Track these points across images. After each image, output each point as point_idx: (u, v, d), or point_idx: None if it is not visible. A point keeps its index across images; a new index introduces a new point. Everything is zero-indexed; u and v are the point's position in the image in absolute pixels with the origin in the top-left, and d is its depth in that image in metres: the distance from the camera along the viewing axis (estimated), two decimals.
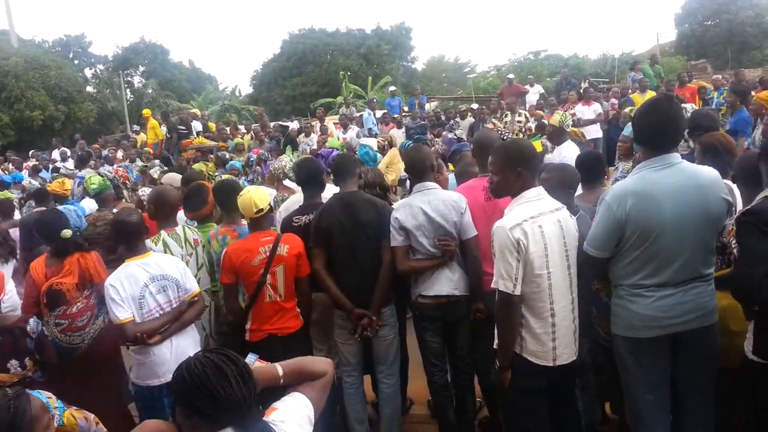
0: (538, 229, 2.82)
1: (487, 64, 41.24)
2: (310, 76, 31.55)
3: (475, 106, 13.82)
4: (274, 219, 4.37)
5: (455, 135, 9.42)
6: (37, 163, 13.92)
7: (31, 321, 3.48)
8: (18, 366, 3.44)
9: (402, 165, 4.28)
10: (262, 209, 3.68)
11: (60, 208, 6.01)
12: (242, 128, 16.41)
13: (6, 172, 12.54)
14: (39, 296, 3.79)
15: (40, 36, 47.54)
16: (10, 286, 4.12)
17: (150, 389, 3.55)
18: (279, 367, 1.94)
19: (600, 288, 3.35)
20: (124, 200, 7.08)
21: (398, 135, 11.57)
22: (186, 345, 3.63)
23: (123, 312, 3.44)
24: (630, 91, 12.64)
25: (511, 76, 16.88)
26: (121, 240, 3.72)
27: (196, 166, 7.49)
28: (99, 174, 7.67)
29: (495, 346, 3.01)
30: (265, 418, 1.77)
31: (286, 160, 6.09)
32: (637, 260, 2.83)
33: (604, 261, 2.96)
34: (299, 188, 4.45)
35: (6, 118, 24.60)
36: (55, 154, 15.02)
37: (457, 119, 13.62)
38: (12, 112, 24.74)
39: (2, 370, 3.36)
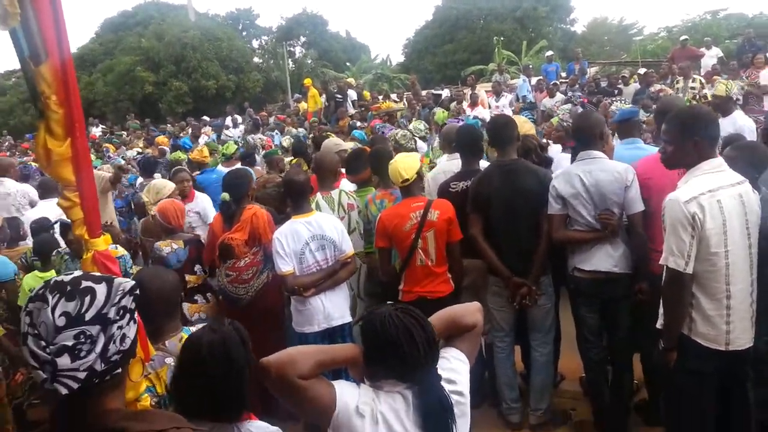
0: (717, 204, 2.58)
1: (657, 26, 37.84)
2: (462, 43, 31.13)
3: (642, 71, 12.80)
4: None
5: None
6: (210, 129, 15.25)
7: None
8: (201, 270, 4.27)
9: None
10: (407, 179, 3.75)
11: (199, 175, 6.67)
12: (394, 96, 16.68)
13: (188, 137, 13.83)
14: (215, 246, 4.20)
15: (213, 10, 51.49)
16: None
17: (305, 335, 3.83)
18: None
19: None
20: (257, 166, 7.49)
21: (551, 104, 11.06)
22: (337, 301, 3.88)
23: (285, 265, 3.72)
24: None
25: (684, 37, 15.34)
26: (289, 196, 3.98)
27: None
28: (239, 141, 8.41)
29: (659, 326, 2.84)
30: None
31: (400, 130, 6.18)
32: None
33: None
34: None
35: (185, 87, 27.20)
36: (228, 120, 16.30)
37: (620, 85, 12.71)
38: (190, 81, 27.28)
39: (190, 273, 4.19)
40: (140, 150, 12.86)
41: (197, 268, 4.30)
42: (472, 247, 3.81)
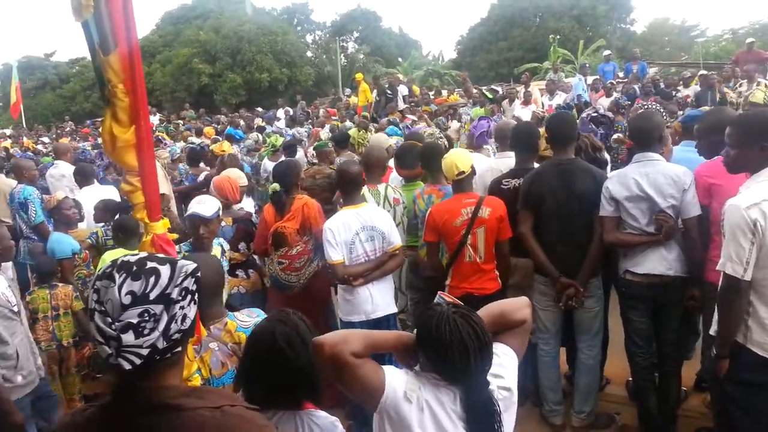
0: None
1: (721, 28, 36.42)
2: (516, 41, 30.73)
3: (702, 72, 12.36)
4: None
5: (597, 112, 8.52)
6: (262, 121, 15.53)
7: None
8: (245, 248, 4.45)
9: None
10: (463, 171, 3.75)
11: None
12: (444, 93, 16.61)
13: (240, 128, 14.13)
14: (268, 235, 4.30)
15: (270, 5, 52.29)
16: None
17: (352, 324, 3.86)
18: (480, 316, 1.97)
19: None
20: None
21: (606, 104, 10.79)
22: (384, 291, 3.93)
23: (336, 254, 3.77)
24: None
25: (751, 39, 14.69)
26: (342, 187, 4.03)
27: (351, 133, 7.75)
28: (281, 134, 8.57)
29: (712, 333, 2.77)
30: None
31: (429, 129, 6.14)
32: None
33: None
34: None
35: (239, 79, 27.77)
36: (280, 113, 16.55)
37: (680, 87, 12.31)
38: (244, 74, 27.83)
39: (234, 250, 4.36)
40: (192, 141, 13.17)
41: (241, 245, 4.45)
42: (519, 246, 3.79)
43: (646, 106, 5.87)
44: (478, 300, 3.62)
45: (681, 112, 7.35)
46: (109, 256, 4.28)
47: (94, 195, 5.81)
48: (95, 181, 6.50)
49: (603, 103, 11.00)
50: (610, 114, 5.94)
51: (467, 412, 1.76)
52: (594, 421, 3.89)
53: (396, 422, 1.75)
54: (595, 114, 5.53)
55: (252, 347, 2.03)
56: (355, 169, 3.98)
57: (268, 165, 8.08)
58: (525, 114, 8.61)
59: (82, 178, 6.35)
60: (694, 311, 3.53)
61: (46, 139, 18.09)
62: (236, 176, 4.90)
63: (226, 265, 3.77)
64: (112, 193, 5.97)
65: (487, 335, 1.78)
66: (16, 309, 3.39)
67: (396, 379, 1.77)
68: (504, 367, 1.88)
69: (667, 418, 3.64)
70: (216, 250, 3.66)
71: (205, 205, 3.60)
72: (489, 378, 1.79)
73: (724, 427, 2.84)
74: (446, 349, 1.72)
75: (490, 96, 12.09)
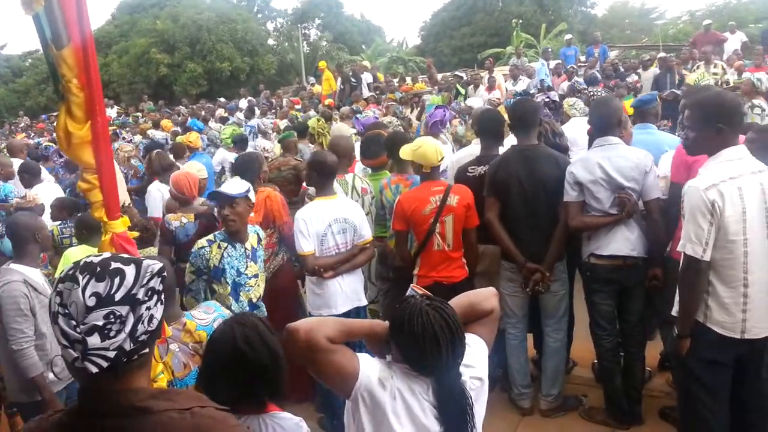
0: (737, 191, 2.58)
1: (679, 10, 37.07)
2: (479, 26, 30.79)
3: (662, 55, 12.60)
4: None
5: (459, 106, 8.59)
6: (225, 112, 15.26)
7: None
8: None
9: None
10: (443, 157, 3.75)
11: (191, 159, 6.73)
12: (408, 80, 16.58)
13: (200, 120, 13.83)
14: None
15: None
16: None
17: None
18: None
19: None
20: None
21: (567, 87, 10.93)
22: (354, 284, 3.90)
23: (307, 245, 3.72)
24: None
25: (708, 21, 15.03)
26: (315, 177, 3.93)
27: (310, 122, 7.69)
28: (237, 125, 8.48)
29: (674, 313, 2.84)
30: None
31: (387, 117, 6.10)
32: None
33: None
34: None
35: (200, 69, 27.22)
36: (243, 103, 16.28)
37: (639, 70, 12.53)
38: (205, 63, 27.30)
39: None
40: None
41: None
42: (486, 232, 3.82)
43: (593, 93, 5.99)
44: (447, 288, 3.65)
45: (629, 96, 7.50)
46: (72, 254, 4.16)
47: (44, 193, 5.62)
48: (43, 179, 6.31)
49: (565, 87, 11.15)
50: (557, 99, 6.12)
51: (439, 403, 1.77)
52: (562, 404, 3.96)
53: (370, 407, 1.76)
54: (547, 99, 5.67)
55: (212, 351, 2.00)
56: (329, 159, 3.90)
57: (227, 156, 7.97)
58: (476, 103, 8.65)
59: (30, 176, 6.12)
60: (656, 291, 3.61)
61: None
62: (196, 170, 4.82)
63: (262, 254, 3.64)
64: (58, 192, 5.81)
65: (460, 328, 1.78)
66: None
67: (370, 366, 1.78)
68: (475, 357, 1.89)
69: (633, 399, 3.73)
70: (252, 238, 3.52)
71: (229, 184, 3.43)
72: (461, 369, 1.80)
73: (687, 406, 2.92)
74: (418, 342, 1.72)
75: (463, 91, 12.07)
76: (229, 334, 1.96)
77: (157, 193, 5.76)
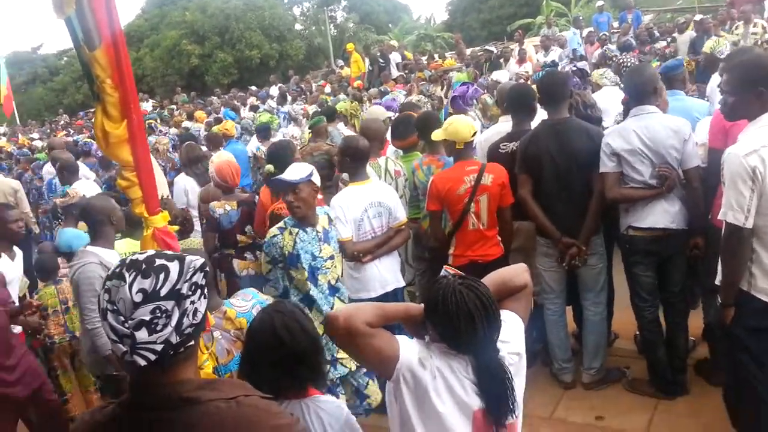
0: None
1: None
2: None
3: (698, 17, 12.18)
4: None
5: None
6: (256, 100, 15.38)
7: None
8: (251, 230, 4.49)
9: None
10: (475, 132, 3.74)
11: (227, 148, 6.80)
12: (437, 57, 16.40)
13: (232, 109, 14.00)
14: (265, 218, 4.31)
15: None
16: None
17: (362, 301, 3.86)
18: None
19: None
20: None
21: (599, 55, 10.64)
22: (391, 266, 3.92)
23: (345, 231, 3.76)
24: None
25: None
26: (347, 163, 3.97)
27: (339, 106, 7.65)
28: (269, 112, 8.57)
29: (718, 282, 2.78)
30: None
31: (415, 95, 6.05)
32: None
33: None
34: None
35: (230, 58, 27.44)
36: (273, 90, 16.38)
37: (675, 34, 12.13)
38: (234, 52, 27.50)
39: (241, 233, 4.46)
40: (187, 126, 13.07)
41: (248, 228, 4.49)
42: (520, 209, 3.79)
43: (623, 61, 5.83)
44: (483, 267, 3.65)
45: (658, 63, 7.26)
46: (117, 247, 4.30)
47: (83, 190, 5.73)
48: (82, 176, 6.47)
49: (597, 56, 10.87)
50: (585, 68, 5.99)
51: (479, 379, 1.80)
52: (604, 376, 3.94)
53: (413, 387, 1.79)
54: (575, 68, 5.54)
55: (253, 339, 2.06)
56: (361, 144, 3.92)
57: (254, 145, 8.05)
58: (503, 76, 8.50)
59: (69, 173, 6.25)
60: (697, 261, 3.55)
61: (35, 135, 17.98)
62: (226, 158, 4.93)
63: (335, 235, 3.59)
64: (96, 189, 5.95)
65: (494, 304, 1.80)
66: None
67: (410, 347, 1.81)
68: (511, 333, 1.91)
69: (677, 369, 3.69)
70: (323, 220, 3.49)
71: (289, 170, 3.33)
72: (498, 345, 1.82)
73: (734, 376, 2.87)
74: (453, 321, 1.75)
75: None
76: (268, 322, 2.02)
77: (181, 185, 5.93)
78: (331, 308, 3.34)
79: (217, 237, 4.52)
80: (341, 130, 6.74)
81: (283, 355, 1.96)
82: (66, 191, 4.99)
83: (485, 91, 7.46)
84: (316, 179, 3.38)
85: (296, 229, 3.37)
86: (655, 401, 3.69)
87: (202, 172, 5.92)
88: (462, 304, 1.74)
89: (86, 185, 6.13)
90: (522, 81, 7.03)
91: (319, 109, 9.16)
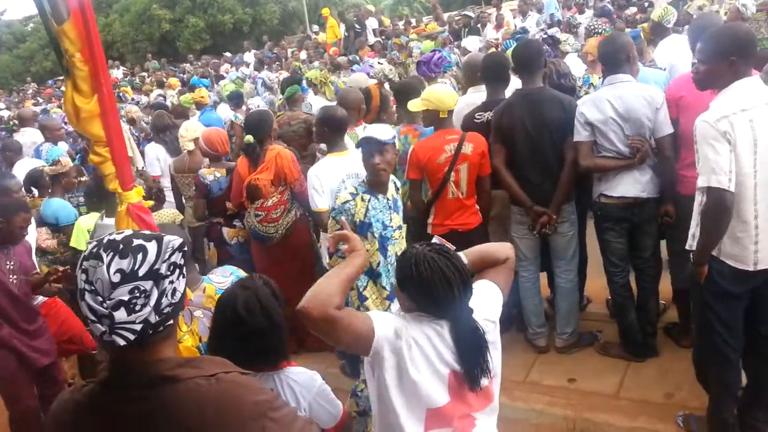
0: (749, 123, 2.52)
1: None
2: None
3: None
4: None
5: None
6: (231, 66, 15.09)
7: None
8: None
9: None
10: (456, 100, 3.75)
11: (202, 117, 6.73)
12: (414, 21, 16.22)
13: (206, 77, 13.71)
14: (242, 188, 4.30)
15: None
16: None
17: None
18: (463, 255, 2.02)
19: None
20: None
21: (583, 20, 10.63)
22: None
23: (322, 202, 3.76)
24: None
25: None
26: (325, 133, 3.93)
27: (310, 74, 7.58)
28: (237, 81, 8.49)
29: (688, 247, 2.83)
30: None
31: (386, 66, 6.06)
32: None
33: None
34: None
35: (202, 24, 26.77)
36: (248, 56, 16.07)
37: None
38: (206, 17, 26.82)
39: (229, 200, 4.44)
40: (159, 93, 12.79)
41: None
42: (496, 178, 3.83)
43: (594, 28, 5.86)
44: (463, 235, 3.70)
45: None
46: (84, 222, 4.26)
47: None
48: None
49: (580, 19, 10.83)
50: (556, 34, 5.99)
51: (456, 342, 1.85)
52: (577, 341, 4.05)
53: (389, 361, 1.82)
54: (545, 36, 5.52)
55: (216, 315, 2.09)
56: (340, 114, 3.88)
57: (229, 113, 7.91)
58: (472, 44, 8.46)
59: (12, 153, 6.11)
60: (669, 227, 3.63)
61: (2, 105, 17.47)
62: (193, 129, 4.89)
63: (401, 204, 3.42)
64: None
65: (465, 267, 1.87)
66: None
67: (384, 321, 1.84)
68: (488, 301, 1.96)
69: (648, 333, 3.81)
70: (391, 188, 3.31)
71: (378, 130, 3.15)
72: (475, 312, 1.87)
73: (703, 339, 2.96)
74: (429, 284, 1.80)
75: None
76: (231, 298, 2.05)
77: (153, 154, 5.90)
78: None
79: (205, 204, 4.53)
80: (309, 99, 6.68)
81: (244, 332, 1.99)
82: (58, 158, 4.85)
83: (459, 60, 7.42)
84: (397, 142, 3.31)
85: (368, 196, 3.14)
86: (626, 363, 3.81)
87: (171, 140, 5.87)
88: (436, 268, 1.80)
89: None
90: (492, 50, 6.98)
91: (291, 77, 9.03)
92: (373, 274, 3.21)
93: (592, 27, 5.94)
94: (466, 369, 1.85)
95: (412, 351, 1.82)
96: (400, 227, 3.31)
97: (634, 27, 7.64)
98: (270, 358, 2.06)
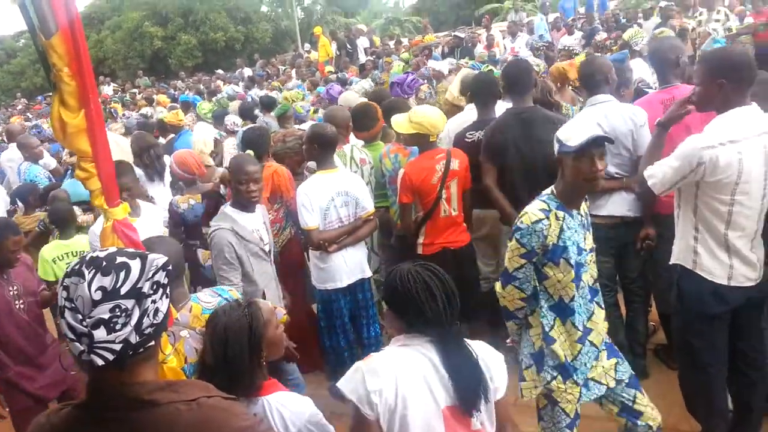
0: (736, 155, 2.51)
1: None
2: None
3: (663, 3, 12.34)
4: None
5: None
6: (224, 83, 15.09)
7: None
8: None
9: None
10: (445, 122, 3.80)
11: (180, 139, 6.68)
12: (405, 41, 16.34)
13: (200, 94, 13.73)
14: None
15: None
16: None
17: (327, 292, 3.88)
18: None
19: None
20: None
21: (569, 42, 10.76)
22: (357, 256, 3.90)
23: (311, 219, 3.72)
24: None
25: None
26: (315, 151, 3.91)
27: (283, 93, 7.57)
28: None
29: (672, 263, 2.83)
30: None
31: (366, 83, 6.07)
32: None
33: None
34: None
35: (194, 41, 26.88)
36: (247, 71, 16.02)
37: (640, 20, 12.30)
38: (198, 34, 26.94)
39: (206, 225, 4.14)
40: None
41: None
42: (487, 198, 3.82)
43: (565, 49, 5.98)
44: (454, 253, 3.69)
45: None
46: (47, 252, 4.21)
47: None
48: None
49: (565, 41, 10.99)
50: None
51: (448, 368, 1.83)
52: None
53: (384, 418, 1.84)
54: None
55: (206, 336, 2.08)
56: (329, 132, 3.86)
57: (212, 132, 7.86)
58: (443, 66, 8.58)
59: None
60: (651, 250, 3.63)
61: None
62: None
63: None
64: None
65: (449, 279, 1.90)
66: (267, 249, 3.45)
67: (354, 390, 1.88)
68: (497, 367, 1.96)
69: (636, 354, 3.77)
70: (584, 204, 3.05)
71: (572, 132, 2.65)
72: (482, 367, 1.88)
73: (686, 358, 2.96)
74: (414, 296, 1.82)
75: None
76: (212, 323, 2.05)
77: None
78: (590, 318, 2.62)
79: (183, 230, 4.42)
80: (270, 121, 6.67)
81: (216, 357, 1.97)
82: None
83: (425, 81, 7.43)
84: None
85: (562, 213, 2.52)
86: None
87: (152, 159, 5.37)
88: (419, 279, 1.84)
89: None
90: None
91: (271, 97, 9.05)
92: (564, 311, 2.57)
93: (564, 49, 6.09)
94: (460, 397, 1.84)
95: (398, 399, 1.82)
96: (592, 249, 2.69)
97: (604, 52, 7.74)
98: (248, 383, 2.00)
